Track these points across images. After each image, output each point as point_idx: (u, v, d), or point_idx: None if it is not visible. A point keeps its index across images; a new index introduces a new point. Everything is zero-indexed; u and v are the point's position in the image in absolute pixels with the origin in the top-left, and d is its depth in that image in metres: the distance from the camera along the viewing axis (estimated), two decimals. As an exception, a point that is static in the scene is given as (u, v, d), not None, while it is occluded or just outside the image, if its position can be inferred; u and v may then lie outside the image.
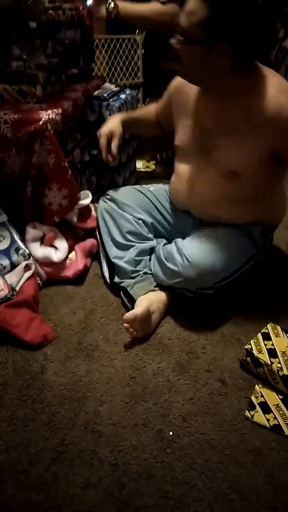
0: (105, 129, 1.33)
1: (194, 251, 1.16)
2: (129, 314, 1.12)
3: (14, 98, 1.35)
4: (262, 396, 1.01)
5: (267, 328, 1.14)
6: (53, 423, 0.95)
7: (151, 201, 1.40)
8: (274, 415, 0.97)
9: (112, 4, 1.47)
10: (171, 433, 0.94)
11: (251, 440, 0.93)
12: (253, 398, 1.01)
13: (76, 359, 1.12)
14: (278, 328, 1.14)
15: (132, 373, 1.08)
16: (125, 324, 1.14)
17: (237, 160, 1.10)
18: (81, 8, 1.49)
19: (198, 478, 0.86)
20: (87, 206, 1.50)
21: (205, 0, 0.93)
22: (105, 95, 1.75)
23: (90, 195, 1.50)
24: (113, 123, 1.35)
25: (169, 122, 1.32)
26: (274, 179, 1.19)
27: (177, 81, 1.25)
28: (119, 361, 1.12)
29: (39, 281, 1.34)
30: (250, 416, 0.97)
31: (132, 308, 1.20)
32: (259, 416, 0.97)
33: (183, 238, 1.26)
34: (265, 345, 1.08)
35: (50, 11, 1.52)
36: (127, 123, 1.38)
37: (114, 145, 1.32)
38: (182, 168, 1.27)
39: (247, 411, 0.98)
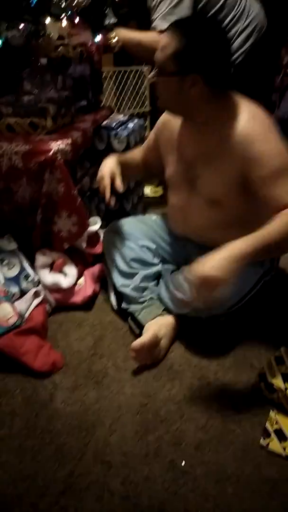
0: (106, 170, 1.28)
1: None
2: (136, 343, 1.12)
3: (25, 130, 1.40)
4: (277, 423, 0.98)
5: (280, 352, 1.11)
6: (62, 454, 0.93)
7: (154, 229, 1.41)
8: (291, 443, 0.94)
9: (115, 39, 1.53)
10: (183, 463, 0.91)
11: (266, 470, 0.90)
12: (268, 425, 0.98)
13: (85, 387, 1.10)
14: None
15: (143, 400, 1.06)
16: (133, 354, 1.13)
17: (216, 188, 1.13)
18: (89, 43, 1.56)
19: (212, 510, 0.82)
20: (96, 232, 1.52)
21: (176, 34, 0.99)
22: (113, 124, 1.80)
23: (99, 221, 1.52)
24: (111, 164, 1.29)
25: (157, 162, 1.33)
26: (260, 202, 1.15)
27: (163, 118, 1.29)
28: (129, 388, 1.10)
29: (48, 308, 1.34)
30: (265, 444, 0.94)
31: (140, 334, 1.19)
32: (275, 444, 0.94)
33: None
34: (279, 369, 1.05)
35: (60, 48, 1.60)
36: (120, 165, 1.32)
37: (119, 183, 1.26)
38: (173, 199, 1.30)
39: (262, 439, 0.95)
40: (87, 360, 1.19)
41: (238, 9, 1.68)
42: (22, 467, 0.91)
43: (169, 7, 1.52)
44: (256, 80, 1.94)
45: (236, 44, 1.75)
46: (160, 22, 1.54)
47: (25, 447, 0.95)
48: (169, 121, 1.23)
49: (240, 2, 1.68)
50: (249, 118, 1.05)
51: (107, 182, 1.25)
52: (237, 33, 1.71)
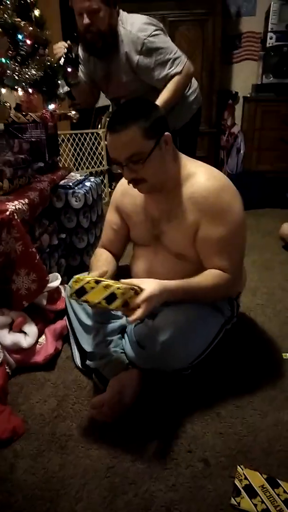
0: None
1: (166, 335, 1.16)
2: (95, 401, 1.10)
3: (-18, 192, 1.42)
4: (246, 478, 0.95)
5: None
6: (24, 531, 0.86)
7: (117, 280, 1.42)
8: (261, 498, 0.91)
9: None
10: (154, 528, 0.87)
11: (240, 527, 0.86)
12: (236, 482, 0.95)
13: (49, 453, 1.04)
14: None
15: (110, 463, 1.01)
16: (92, 411, 1.11)
17: (179, 243, 1.20)
18: (44, 111, 1.65)
19: None
20: (57, 288, 1.51)
21: (129, 126, 1.05)
22: (71, 183, 1.87)
23: (59, 277, 1.52)
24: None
25: (124, 234, 1.36)
26: None
27: (118, 190, 1.35)
28: (95, 450, 1.05)
29: (7, 370, 1.29)
30: (236, 503, 0.90)
31: (105, 390, 1.16)
32: (246, 503, 0.90)
33: (153, 316, 1.27)
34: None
35: (15, 115, 1.68)
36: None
37: None
38: (139, 253, 1.34)
39: (232, 498, 0.91)
40: (50, 424, 1.14)
41: None
42: None
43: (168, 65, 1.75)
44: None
45: (186, 106, 1.94)
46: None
47: (-18, 529, 0.87)
48: (126, 189, 1.28)
49: None
50: (208, 178, 1.15)
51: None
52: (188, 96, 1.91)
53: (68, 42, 1.66)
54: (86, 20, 1.66)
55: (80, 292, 1.00)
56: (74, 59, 1.64)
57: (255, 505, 0.90)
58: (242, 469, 0.98)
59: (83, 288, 1.00)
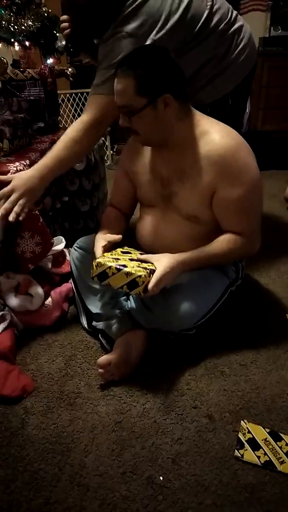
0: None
1: (170, 296, 1.16)
2: (102, 360, 1.12)
3: (-18, 153, 1.39)
4: (249, 432, 0.99)
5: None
6: (37, 481, 0.90)
7: (120, 242, 1.41)
8: (264, 451, 0.94)
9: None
10: (161, 478, 0.90)
11: (244, 477, 0.90)
12: (240, 435, 0.98)
13: (58, 409, 1.08)
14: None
15: (117, 418, 1.05)
16: (100, 370, 1.12)
17: (193, 204, 1.17)
18: (42, 67, 1.58)
19: (192, 524, 0.82)
20: (61, 251, 1.51)
21: (127, 73, 1.02)
22: (72, 144, 1.81)
23: (63, 240, 1.51)
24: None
25: (133, 195, 1.35)
26: None
27: (127, 147, 1.32)
28: (103, 406, 1.08)
29: (15, 331, 1.31)
30: (240, 455, 0.94)
31: (111, 350, 1.18)
32: (249, 455, 0.94)
33: None
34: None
35: (12, 71, 1.61)
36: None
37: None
38: (146, 214, 1.31)
39: (236, 451, 0.95)
40: (58, 382, 1.17)
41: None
42: (-6, 500, 0.87)
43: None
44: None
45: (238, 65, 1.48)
46: None
47: (-3, 479, 0.91)
48: (134, 147, 1.25)
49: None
50: (222, 136, 1.11)
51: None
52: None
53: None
54: None
55: (102, 276, 1.07)
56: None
57: (258, 457, 0.93)
58: (246, 423, 1.01)
59: (105, 272, 1.06)
